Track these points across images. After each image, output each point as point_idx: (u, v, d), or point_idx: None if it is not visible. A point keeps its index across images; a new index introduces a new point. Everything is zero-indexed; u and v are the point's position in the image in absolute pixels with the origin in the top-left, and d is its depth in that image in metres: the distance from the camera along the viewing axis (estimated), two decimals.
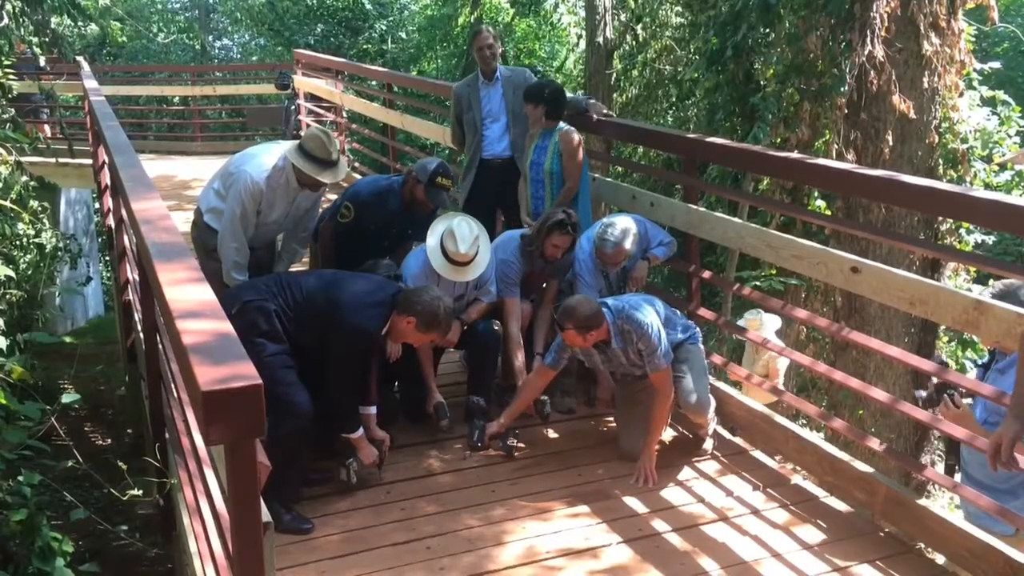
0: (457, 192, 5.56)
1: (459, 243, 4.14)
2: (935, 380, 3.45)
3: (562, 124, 5.00)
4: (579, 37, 14.11)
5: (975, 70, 7.68)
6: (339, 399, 3.66)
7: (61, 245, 7.45)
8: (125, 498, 3.55)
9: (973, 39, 7.45)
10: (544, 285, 4.74)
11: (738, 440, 4.32)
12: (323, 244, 4.70)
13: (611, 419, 4.49)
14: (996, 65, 9.39)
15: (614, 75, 11.74)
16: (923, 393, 3.51)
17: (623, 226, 4.34)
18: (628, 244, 4.33)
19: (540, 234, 4.33)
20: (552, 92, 5.01)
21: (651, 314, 3.88)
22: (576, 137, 4.99)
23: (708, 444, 4.18)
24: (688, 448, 4.22)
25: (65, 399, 3.88)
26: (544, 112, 4.92)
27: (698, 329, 4.28)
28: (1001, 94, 8.22)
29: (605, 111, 5.66)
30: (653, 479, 3.86)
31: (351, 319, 3.59)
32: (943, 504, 6.57)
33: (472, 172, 5.51)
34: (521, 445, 4.18)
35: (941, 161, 7.27)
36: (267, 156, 4.36)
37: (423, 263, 4.30)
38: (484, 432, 4.11)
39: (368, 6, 19.35)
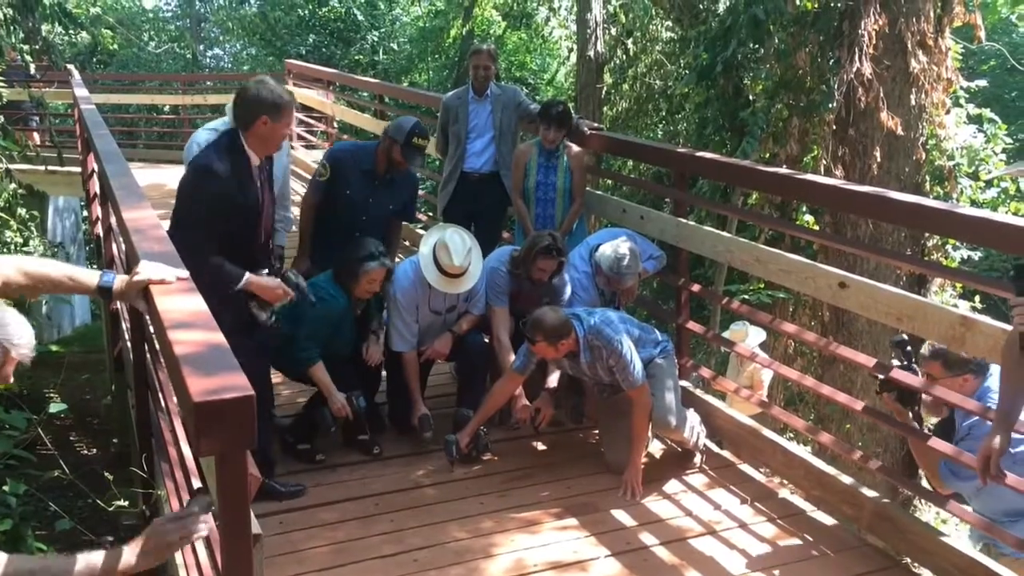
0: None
1: (453, 256, 4.14)
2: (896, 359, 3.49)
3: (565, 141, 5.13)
4: (570, 51, 14.16)
5: (962, 88, 7.76)
6: (200, 259, 3.00)
7: (49, 253, 7.42)
8: (111, 508, 3.53)
9: (960, 57, 7.54)
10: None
11: (725, 453, 4.33)
12: (303, 206, 4.70)
13: (599, 431, 4.49)
14: (982, 83, 9.50)
15: (605, 89, 11.78)
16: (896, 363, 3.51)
17: (631, 251, 4.38)
18: (640, 267, 4.44)
19: (527, 259, 4.31)
20: (570, 115, 5.13)
21: (622, 332, 3.90)
22: (583, 154, 5.13)
23: (698, 458, 4.19)
24: (676, 461, 4.23)
25: (52, 409, 3.87)
26: (565, 135, 5.06)
27: (670, 342, 4.30)
28: (987, 112, 8.29)
29: (596, 125, 5.73)
30: (639, 492, 3.87)
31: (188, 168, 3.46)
32: (930, 518, 6.59)
33: (452, 184, 5.54)
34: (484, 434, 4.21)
35: (928, 178, 7.35)
36: (216, 123, 4.33)
37: (413, 275, 4.30)
38: (458, 445, 4.09)
39: (360, 17, 19.40)
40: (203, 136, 4.26)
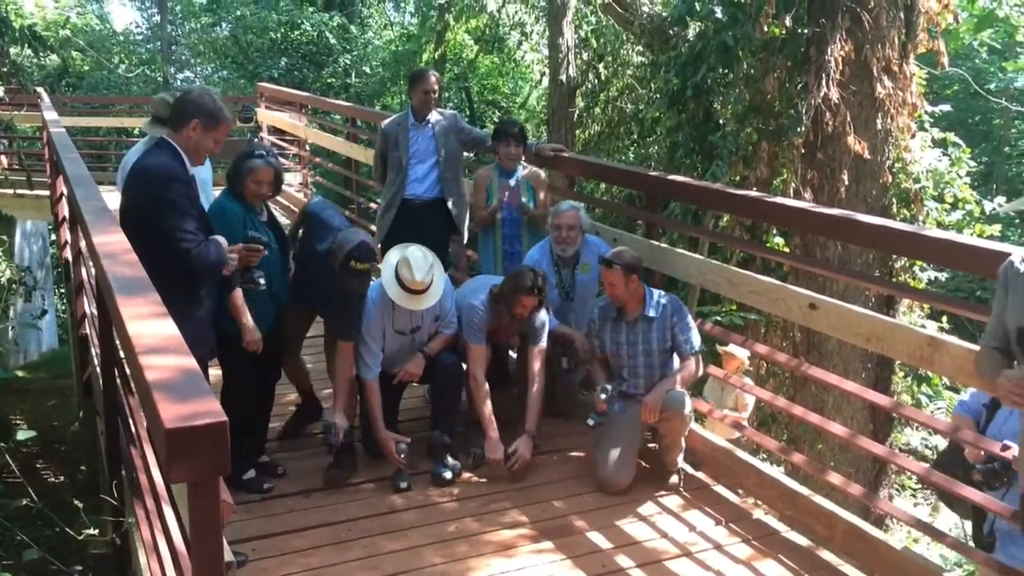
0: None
1: (414, 271, 4.11)
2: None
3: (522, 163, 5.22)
4: (542, 75, 14.29)
5: (926, 112, 7.92)
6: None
7: (16, 278, 7.32)
8: (80, 537, 3.47)
9: (924, 82, 7.69)
10: (521, 355, 4.79)
11: (700, 475, 4.34)
12: None
13: (575, 453, 4.49)
14: (946, 108, 9.70)
15: (577, 112, 11.90)
16: (980, 467, 3.30)
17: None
18: (581, 212, 4.69)
19: (511, 297, 4.29)
20: (526, 133, 5.28)
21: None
22: (542, 174, 5.22)
23: (674, 479, 4.21)
24: (652, 482, 4.24)
25: (19, 436, 3.80)
26: (523, 150, 5.13)
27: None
28: (951, 136, 8.46)
29: (555, 146, 5.79)
30: (654, 410, 4.05)
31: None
32: (900, 538, 6.64)
33: (392, 211, 5.50)
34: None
35: (895, 200, 7.47)
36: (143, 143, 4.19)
37: (376, 294, 4.28)
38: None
39: (332, 41, 19.40)
40: (133, 154, 4.18)
